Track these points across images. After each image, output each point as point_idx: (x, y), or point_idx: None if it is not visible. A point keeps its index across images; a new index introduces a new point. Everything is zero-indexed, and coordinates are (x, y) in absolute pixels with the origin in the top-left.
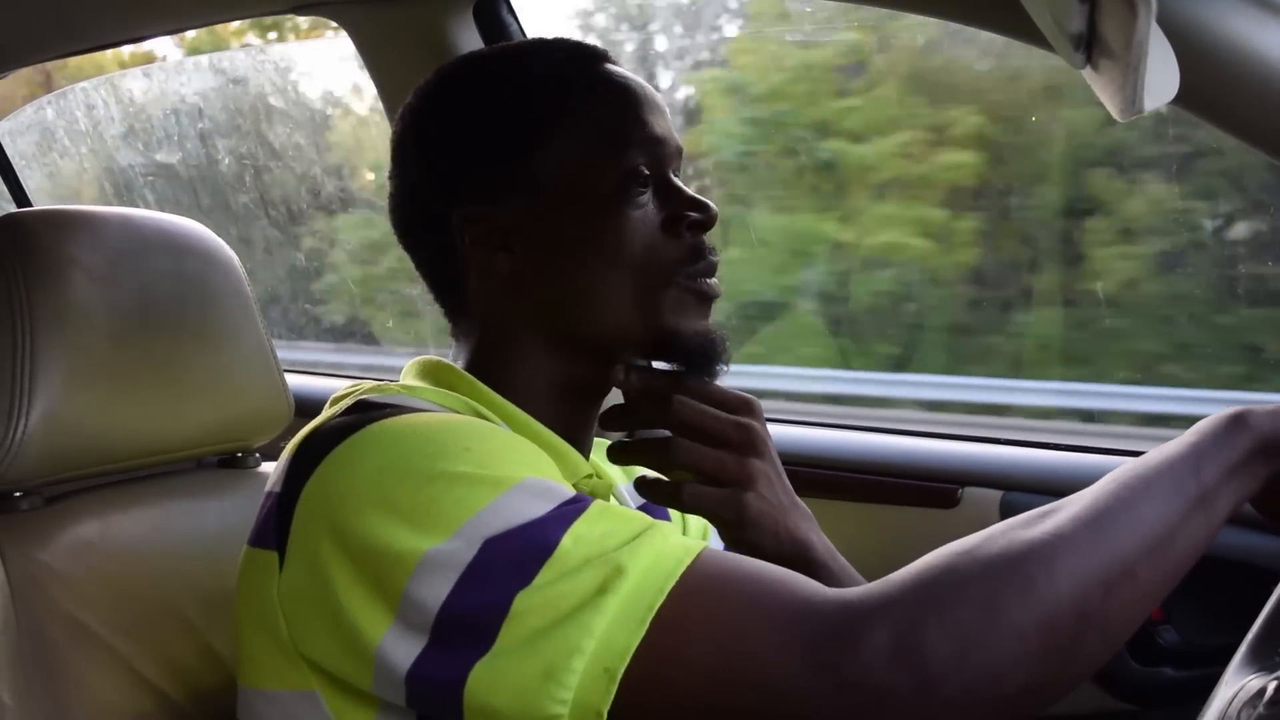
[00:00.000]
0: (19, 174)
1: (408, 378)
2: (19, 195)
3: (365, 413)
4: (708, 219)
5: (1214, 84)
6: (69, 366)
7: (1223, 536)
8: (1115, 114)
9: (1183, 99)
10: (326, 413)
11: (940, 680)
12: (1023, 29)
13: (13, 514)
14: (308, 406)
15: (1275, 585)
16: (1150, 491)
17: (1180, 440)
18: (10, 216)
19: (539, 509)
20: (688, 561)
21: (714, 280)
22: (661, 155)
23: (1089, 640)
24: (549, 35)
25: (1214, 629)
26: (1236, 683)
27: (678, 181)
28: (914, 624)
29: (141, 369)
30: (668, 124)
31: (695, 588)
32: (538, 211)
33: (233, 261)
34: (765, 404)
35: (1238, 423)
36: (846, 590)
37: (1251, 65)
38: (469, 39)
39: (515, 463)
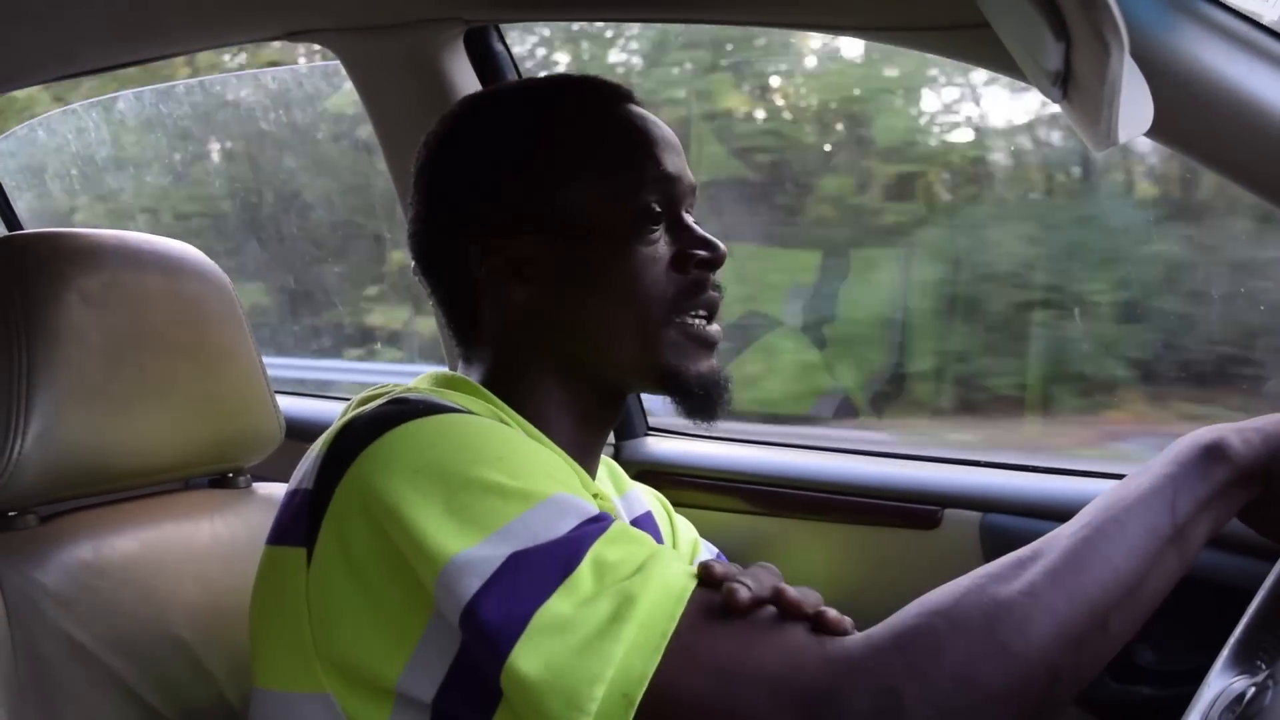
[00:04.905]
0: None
1: (424, 385)
2: (10, 218)
3: (400, 409)
4: (715, 258)
5: (1187, 116)
6: (65, 387)
7: (1202, 558)
8: (1091, 146)
9: (1156, 131)
10: (354, 410)
11: None
12: (1002, 63)
13: (8, 533)
14: (298, 428)
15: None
16: (1125, 533)
17: (1156, 471)
18: (6, 239)
19: (564, 526)
20: (691, 589)
21: (715, 327)
22: (675, 194)
23: (1058, 692)
24: (573, 72)
25: (1191, 648)
26: (1219, 685)
27: (689, 220)
28: (893, 692)
29: (136, 390)
30: (682, 163)
31: (699, 619)
32: (555, 245)
33: (226, 283)
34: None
35: (1215, 453)
36: (831, 647)
37: (1223, 98)
38: (460, 67)
39: (544, 476)
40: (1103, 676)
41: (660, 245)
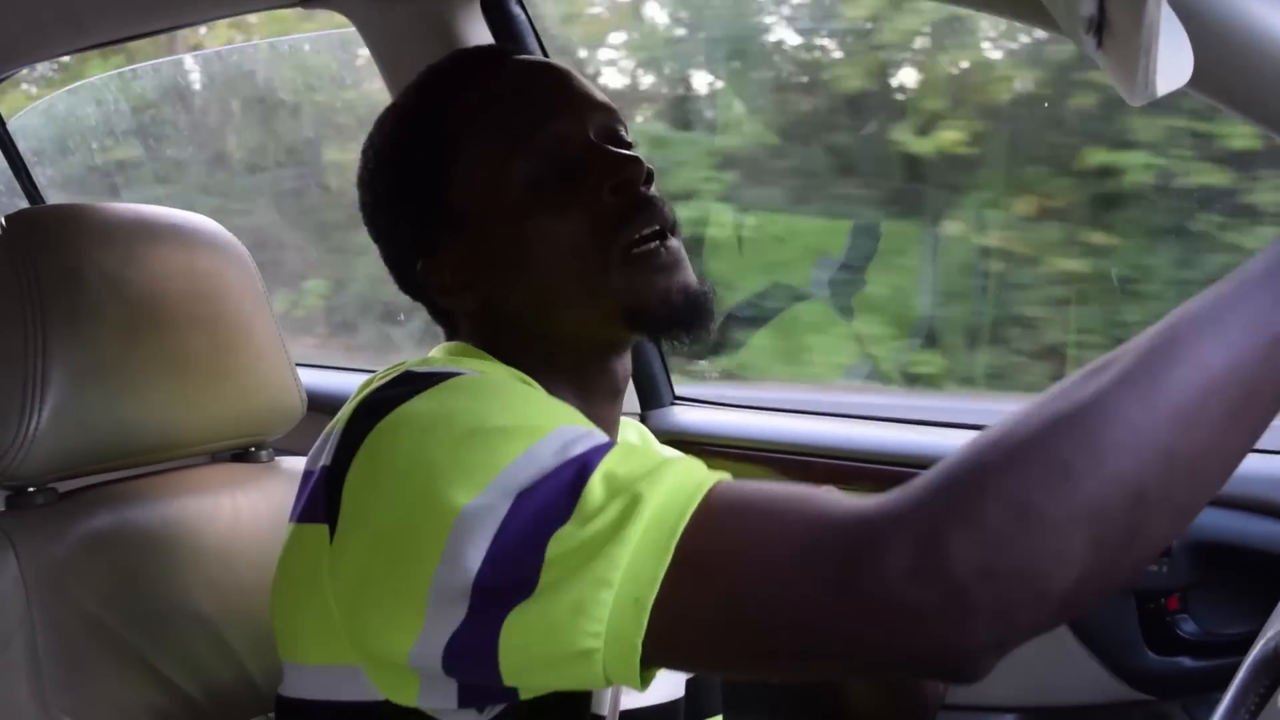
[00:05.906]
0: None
1: (440, 356)
2: (31, 191)
3: (412, 385)
4: (627, 178)
5: (1228, 68)
6: (81, 361)
7: (1242, 524)
8: (1128, 98)
9: (1196, 83)
10: (370, 387)
11: (968, 589)
12: (1032, 13)
13: (27, 509)
14: (320, 401)
15: None
16: (1221, 330)
17: (1248, 269)
18: (23, 212)
19: (571, 451)
20: (706, 486)
21: (668, 245)
22: (573, 133)
23: (1151, 521)
24: (444, 56)
25: (1232, 618)
26: None
27: (600, 147)
28: (934, 532)
29: (154, 364)
30: (576, 90)
31: (714, 513)
32: (471, 243)
33: (245, 256)
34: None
35: None
36: (866, 500)
37: (1266, 48)
38: (477, 32)
39: (551, 415)
40: (1142, 648)
41: (570, 194)
